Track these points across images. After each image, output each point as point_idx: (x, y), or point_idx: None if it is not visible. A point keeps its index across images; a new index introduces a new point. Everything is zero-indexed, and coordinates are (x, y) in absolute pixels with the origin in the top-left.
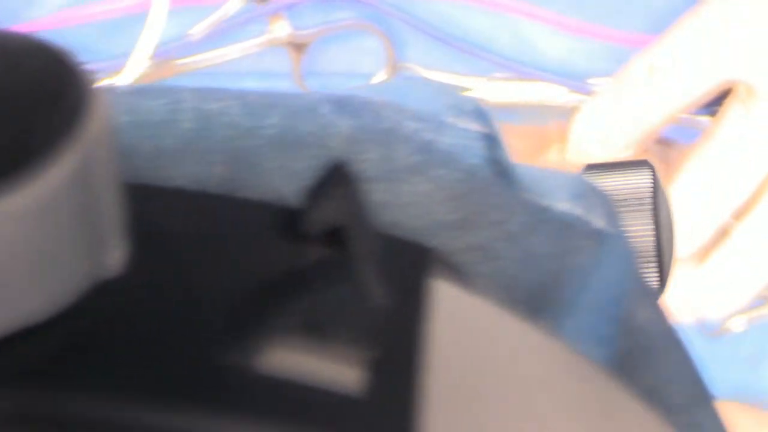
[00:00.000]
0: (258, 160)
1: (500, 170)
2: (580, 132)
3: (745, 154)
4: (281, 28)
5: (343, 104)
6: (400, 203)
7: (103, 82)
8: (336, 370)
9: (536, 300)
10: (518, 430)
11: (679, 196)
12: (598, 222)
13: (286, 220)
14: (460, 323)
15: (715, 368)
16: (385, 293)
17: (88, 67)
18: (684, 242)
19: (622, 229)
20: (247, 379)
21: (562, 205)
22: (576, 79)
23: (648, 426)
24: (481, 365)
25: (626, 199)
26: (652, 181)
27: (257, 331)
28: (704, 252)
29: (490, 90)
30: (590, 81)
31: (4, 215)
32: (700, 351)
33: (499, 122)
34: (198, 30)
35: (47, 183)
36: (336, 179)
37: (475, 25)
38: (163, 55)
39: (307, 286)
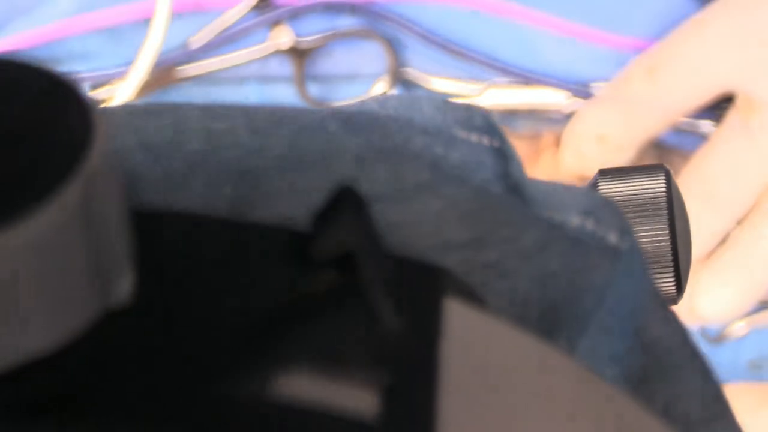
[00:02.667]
0: (265, 181)
1: (511, 186)
2: (577, 133)
3: (744, 163)
4: (283, 35)
5: (350, 121)
6: (411, 222)
7: (105, 89)
8: (350, 397)
9: (549, 319)
10: None
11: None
12: (611, 237)
13: (295, 246)
14: (474, 345)
15: (715, 373)
16: (397, 318)
17: (91, 75)
18: None
19: (636, 242)
20: (261, 410)
21: (574, 220)
22: (579, 84)
23: None
24: (496, 386)
25: (642, 204)
26: (667, 185)
27: (269, 361)
28: (705, 258)
29: (491, 95)
30: (593, 86)
31: (6, 250)
32: None
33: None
34: (200, 37)
35: (48, 218)
36: (344, 202)
37: (477, 30)
38: (165, 62)
39: (318, 313)
